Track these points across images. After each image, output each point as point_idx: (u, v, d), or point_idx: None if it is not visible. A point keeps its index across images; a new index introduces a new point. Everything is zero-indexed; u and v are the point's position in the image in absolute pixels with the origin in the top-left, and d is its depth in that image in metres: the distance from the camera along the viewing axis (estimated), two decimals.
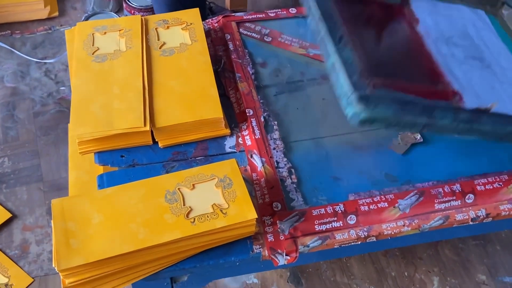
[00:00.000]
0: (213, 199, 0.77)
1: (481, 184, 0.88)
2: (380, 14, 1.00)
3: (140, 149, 0.93)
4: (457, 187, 0.88)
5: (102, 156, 0.92)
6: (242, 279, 1.16)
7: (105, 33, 1.03)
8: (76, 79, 0.96)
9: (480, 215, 0.86)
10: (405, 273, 1.19)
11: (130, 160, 0.91)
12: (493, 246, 1.24)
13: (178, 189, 0.78)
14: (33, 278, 1.16)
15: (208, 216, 0.75)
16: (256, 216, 0.75)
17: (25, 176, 1.34)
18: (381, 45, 0.93)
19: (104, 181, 0.89)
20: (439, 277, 1.18)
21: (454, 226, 0.86)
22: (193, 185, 0.79)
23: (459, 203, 0.87)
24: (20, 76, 1.57)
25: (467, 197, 0.87)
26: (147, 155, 0.92)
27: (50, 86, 1.54)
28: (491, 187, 0.88)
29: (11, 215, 1.25)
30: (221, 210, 0.76)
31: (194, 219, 0.75)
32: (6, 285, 1.15)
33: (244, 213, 0.75)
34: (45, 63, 1.60)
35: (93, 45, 1.01)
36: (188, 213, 0.75)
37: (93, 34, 1.03)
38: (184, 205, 0.76)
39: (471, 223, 0.86)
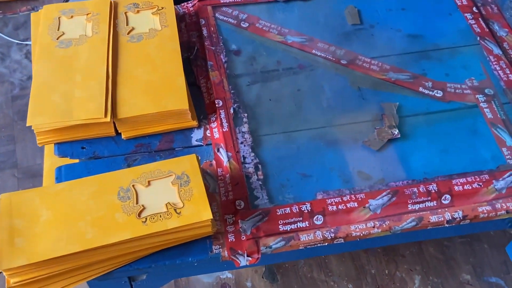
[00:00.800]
0: (168, 198, 0.73)
1: (459, 184, 0.83)
2: None
3: (102, 141, 0.88)
4: (433, 187, 0.83)
5: (62, 148, 0.88)
6: (216, 273, 1.12)
7: (72, 16, 0.99)
8: (38, 65, 0.91)
9: (457, 217, 0.81)
10: (386, 270, 1.15)
11: (91, 152, 0.87)
12: (480, 245, 1.20)
13: (133, 186, 0.74)
14: None
15: (161, 216, 0.71)
16: (211, 217, 0.71)
17: None
18: None
19: (62, 174, 0.85)
20: (421, 275, 1.14)
21: (428, 228, 0.82)
22: (149, 181, 0.75)
23: (434, 204, 0.82)
24: (0, 58, 1.53)
25: (443, 197, 0.82)
26: (109, 147, 0.88)
27: (31, 69, 1.50)
28: (470, 188, 0.83)
29: None
30: (175, 210, 0.71)
31: (146, 218, 0.70)
32: None
33: (199, 213, 0.71)
34: (26, 44, 1.56)
35: (58, 30, 0.96)
36: (141, 212, 0.71)
37: (59, 17, 0.98)
38: (137, 203, 0.72)
39: (446, 225, 0.81)
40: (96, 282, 0.78)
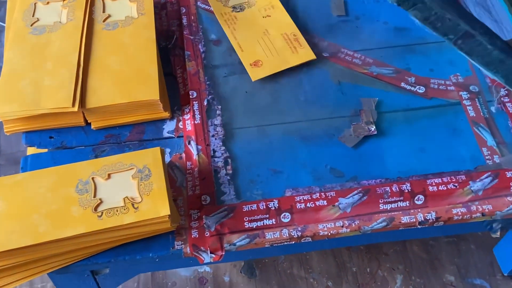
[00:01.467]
0: (127, 192, 0.71)
1: (434, 184, 0.80)
2: None
3: (72, 130, 0.87)
4: (406, 186, 0.80)
5: (30, 137, 0.86)
6: (194, 267, 1.10)
7: (48, 3, 0.97)
8: (9, 52, 0.89)
9: (429, 219, 0.78)
10: (368, 269, 1.12)
11: (59, 142, 0.86)
12: (467, 245, 1.16)
13: (92, 178, 0.72)
14: None
15: (117, 211, 0.69)
16: (169, 213, 0.69)
17: None
18: None
19: (28, 164, 0.84)
20: (403, 275, 1.11)
21: (400, 229, 0.79)
22: (109, 174, 0.73)
23: (407, 204, 0.79)
24: None
25: (416, 198, 0.79)
26: (78, 137, 0.86)
27: None
28: (445, 188, 0.80)
29: None
30: (132, 205, 0.70)
31: (102, 213, 0.69)
32: None
33: (157, 208, 0.69)
34: None
35: (33, 16, 0.94)
36: (97, 206, 0.69)
37: (35, 3, 0.96)
38: (94, 196, 0.70)
39: (418, 226, 0.78)
40: (56, 275, 0.77)
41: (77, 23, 0.92)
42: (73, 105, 0.82)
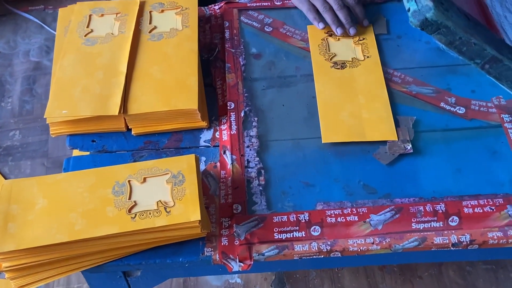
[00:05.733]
0: (160, 196, 0.73)
1: (469, 206, 0.79)
2: None
3: (113, 135, 0.90)
4: (441, 206, 0.79)
5: (74, 140, 0.90)
6: (225, 277, 1.11)
7: (102, 15, 1.01)
8: (63, 60, 0.94)
9: (463, 241, 0.76)
10: None
11: (100, 146, 0.89)
12: (506, 273, 1.13)
13: (128, 181, 0.75)
14: None
15: (150, 213, 0.71)
16: (199, 218, 0.70)
17: (31, 150, 1.35)
18: None
19: (70, 165, 0.87)
20: None
21: (432, 249, 0.77)
22: (144, 178, 0.75)
23: (441, 225, 0.78)
24: (45, 51, 1.59)
25: (450, 219, 0.78)
26: (118, 142, 0.89)
27: None
28: (481, 211, 0.78)
29: None
30: (165, 208, 0.71)
31: (136, 214, 0.71)
32: None
33: (188, 213, 0.71)
34: None
35: (87, 27, 0.99)
36: (131, 208, 0.72)
37: (89, 15, 1.01)
38: (129, 199, 0.73)
39: (452, 248, 0.77)
40: (90, 274, 0.79)
41: (127, 36, 0.96)
42: (118, 111, 0.86)
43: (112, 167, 0.77)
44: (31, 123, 1.41)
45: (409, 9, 0.64)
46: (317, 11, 1.01)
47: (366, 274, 1.12)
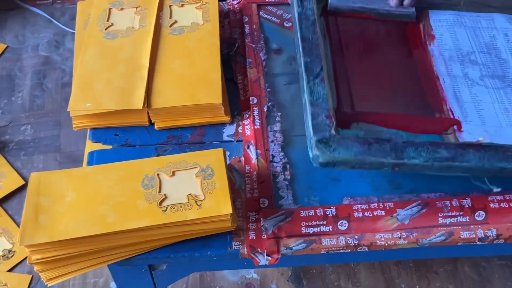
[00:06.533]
0: (190, 189, 0.73)
1: (495, 201, 0.79)
2: (385, 36, 0.96)
3: (136, 129, 0.90)
4: (467, 201, 0.79)
5: (96, 133, 0.89)
6: (242, 273, 1.11)
7: (121, 9, 1.00)
8: (85, 54, 0.93)
9: (490, 235, 0.77)
10: (417, 286, 1.11)
11: (124, 140, 0.88)
12: None
13: (157, 174, 0.75)
14: None
15: (181, 207, 0.71)
16: (231, 212, 0.70)
17: (44, 145, 1.35)
18: (377, 73, 0.90)
19: (94, 158, 0.87)
20: None
21: (458, 244, 0.78)
22: (173, 172, 0.75)
23: (467, 220, 0.78)
24: (55, 46, 1.58)
25: (477, 213, 0.78)
26: (141, 136, 0.89)
27: None
28: (507, 206, 0.79)
29: (24, 182, 1.27)
30: (195, 202, 0.71)
31: (167, 207, 0.71)
32: (9, 251, 1.17)
33: (219, 207, 0.71)
34: None
35: (107, 21, 0.98)
36: (162, 201, 0.72)
37: (109, 9, 1.00)
38: (159, 192, 0.72)
39: (478, 243, 0.77)
40: (116, 267, 0.79)
41: (148, 29, 0.96)
42: (142, 105, 0.85)
43: (140, 160, 0.77)
44: (42, 118, 1.40)
45: (310, 157, 0.75)
46: None
47: (382, 269, 1.13)
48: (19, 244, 0.68)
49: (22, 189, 1.26)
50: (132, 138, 0.89)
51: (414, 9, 0.97)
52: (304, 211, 0.79)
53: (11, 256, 1.16)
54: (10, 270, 1.15)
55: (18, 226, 1.20)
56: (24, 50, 1.57)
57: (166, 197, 0.72)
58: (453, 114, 0.84)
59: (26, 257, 1.16)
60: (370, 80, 0.89)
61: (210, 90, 0.88)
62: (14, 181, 1.27)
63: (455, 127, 0.82)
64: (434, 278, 1.12)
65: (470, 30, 0.97)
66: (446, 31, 0.95)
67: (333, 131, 0.75)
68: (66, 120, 1.40)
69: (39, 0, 1.70)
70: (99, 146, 1.20)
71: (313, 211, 0.79)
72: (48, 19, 1.65)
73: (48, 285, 0.74)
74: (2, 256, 1.16)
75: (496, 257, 1.15)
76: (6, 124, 1.39)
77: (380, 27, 0.97)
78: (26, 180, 1.27)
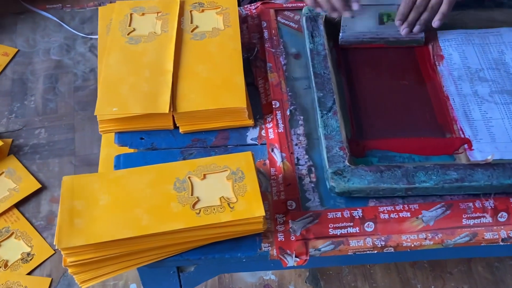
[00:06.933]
0: (222, 192, 0.74)
1: None
2: (395, 61, 1.00)
3: (161, 133, 0.91)
4: (489, 203, 0.81)
5: (122, 137, 0.91)
6: (259, 274, 1.13)
7: (142, 14, 1.02)
8: (108, 58, 0.94)
9: None
10: (432, 286, 1.12)
11: (149, 143, 0.90)
12: None
13: (188, 177, 0.76)
14: (54, 250, 1.17)
15: (214, 209, 0.72)
16: (264, 214, 0.71)
17: (58, 148, 1.36)
18: (388, 99, 0.94)
19: (121, 162, 0.88)
20: None
21: (482, 245, 0.80)
22: (204, 175, 0.76)
23: (490, 221, 0.80)
24: (66, 50, 1.59)
25: (499, 215, 0.80)
26: (166, 139, 0.90)
27: (93, 62, 1.56)
28: None
29: (40, 185, 1.28)
30: (228, 204, 0.73)
31: (200, 210, 0.72)
32: (28, 254, 1.18)
33: (252, 209, 0.72)
34: (91, 38, 1.62)
35: (129, 26, 0.99)
36: (195, 203, 0.73)
37: (130, 14, 1.02)
38: (192, 194, 0.74)
39: (501, 243, 0.79)
40: (146, 269, 0.80)
41: (170, 35, 0.97)
42: (168, 109, 0.87)
43: (170, 163, 0.79)
44: (55, 121, 1.41)
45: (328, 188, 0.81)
46: None
47: (398, 270, 1.14)
48: (56, 247, 0.69)
49: (38, 192, 1.27)
50: (158, 141, 0.90)
51: (423, 34, 1.00)
52: (331, 213, 0.80)
53: (30, 260, 1.17)
54: (29, 273, 1.16)
55: (36, 229, 1.21)
56: (35, 54, 1.58)
57: (198, 200, 0.73)
58: (463, 133, 0.88)
59: (45, 260, 1.17)
60: (381, 106, 0.93)
61: (234, 94, 0.89)
62: (30, 185, 1.28)
63: (465, 146, 0.86)
64: (448, 278, 1.14)
65: (478, 47, 1.00)
66: (454, 50, 0.98)
67: (347, 162, 0.81)
68: (80, 124, 1.41)
69: (48, 5, 1.71)
70: (115, 149, 1.22)
71: (340, 213, 0.80)
72: (58, 23, 1.66)
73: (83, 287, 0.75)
74: (21, 259, 1.17)
75: (509, 257, 1.17)
76: (20, 128, 1.40)
77: (389, 52, 1.01)
78: (42, 183, 1.28)
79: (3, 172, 1.29)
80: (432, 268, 1.15)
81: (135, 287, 1.11)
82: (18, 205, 1.25)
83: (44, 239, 1.19)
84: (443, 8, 0.94)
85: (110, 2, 1.75)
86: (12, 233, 1.20)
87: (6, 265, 1.16)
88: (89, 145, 1.36)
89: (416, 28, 0.97)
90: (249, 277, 1.12)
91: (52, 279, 1.15)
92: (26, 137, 1.37)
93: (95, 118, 1.32)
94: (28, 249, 1.18)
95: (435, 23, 0.95)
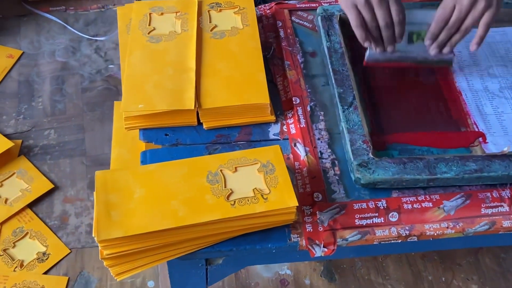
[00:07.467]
0: (255, 184, 0.76)
1: None
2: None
3: (185, 129, 0.93)
4: (506, 192, 0.84)
5: (147, 133, 0.92)
6: (275, 269, 1.15)
7: (161, 14, 1.04)
8: (131, 57, 0.96)
9: None
10: (443, 278, 1.16)
11: (174, 139, 0.91)
12: None
13: (220, 170, 0.78)
14: (70, 249, 1.18)
15: (248, 200, 0.74)
16: (297, 204, 0.74)
17: (69, 149, 1.36)
18: (406, 96, 0.98)
19: (147, 158, 0.89)
20: (478, 285, 1.15)
21: (500, 233, 0.83)
22: (235, 168, 0.78)
23: (508, 210, 0.83)
24: (71, 52, 1.60)
25: None
26: (191, 135, 0.92)
27: (99, 63, 1.57)
28: None
29: (53, 186, 1.28)
30: (262, 195, 0.75)
31: (235, 201, 0.74)
32: (44, 253, 1.18)
33: (285, 200, 0.74)
34: (96, 40, 1.63)
35: (149, 25, 1.01)
36: (229, 195, 0.75)
37: (149, 14, 1.03)
38: (225, 187, 0.76)
39: None
40: (176, 262, 0.82)
41: (191, 33, 0.99)
42: (193, 105, 0.89)
43: (201, 157, 0.80)
44: (65, 122, 1.42)
45: (353, 180, 0.84)
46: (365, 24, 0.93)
47: (409, 263, 1.17)
48: (96, 240, 0.70)
49: (51, 192, 1.28)
50: (182, 137, 0.92)
51: (453, 54, 0.97)
52: (357, 204, 0.83)
53: (46, 259, 1.17)
54: (45, 273, 1.16)
55: (50, 229, 1.22)
56: (40, 56, 1.58)
57: (232, 192, 0.75)
58: (477, 127, 0.92)
59: (61, 259, 1.18)
60: (398, 102, 0.97)
61: (257, 91, 0.91)
62: (43, 185, 1.28)
63: (480, 139, 0.90)
64: (458, 270, 1.17)
65: (486, 45, 1.04)
66: (464, 49, 1.02)
67: (371, 155, 0.84)
68: (90, 124, 1.41)
69: (51, 7, 1.72)
70: (126, 149, 1.23)
71: (365, 204, 0.83)
72: (62, 26, 1.66)
73: (118, 280, 0.76)
74: (37, 259, 1.17)
75: None
76: (29, 129, 1.40)
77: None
78: (54, 183, 1.29)
79: (14, 173, 1.30)
80: (442, 260, 1.18)
81: (152, 284, 1.12)
82: (31, 205, 1.26)
83: (59, 238, 1.20)
84: (480, 31, 0.90)
85: (114, 5, 1.77)
86: (27, 233, 1.20)
87: (22, 265, 1.16)
88: (99, 145, 1.37)
89: (446, 49, 0.95)
90: (265, 272, 1.14)
91: (69, 278, 1.16)
92: (35, 138, 1.38)
93: (105, 119, 1.34)
94: (43, 249, 1.19)
95: (473, 46, 0.92)
